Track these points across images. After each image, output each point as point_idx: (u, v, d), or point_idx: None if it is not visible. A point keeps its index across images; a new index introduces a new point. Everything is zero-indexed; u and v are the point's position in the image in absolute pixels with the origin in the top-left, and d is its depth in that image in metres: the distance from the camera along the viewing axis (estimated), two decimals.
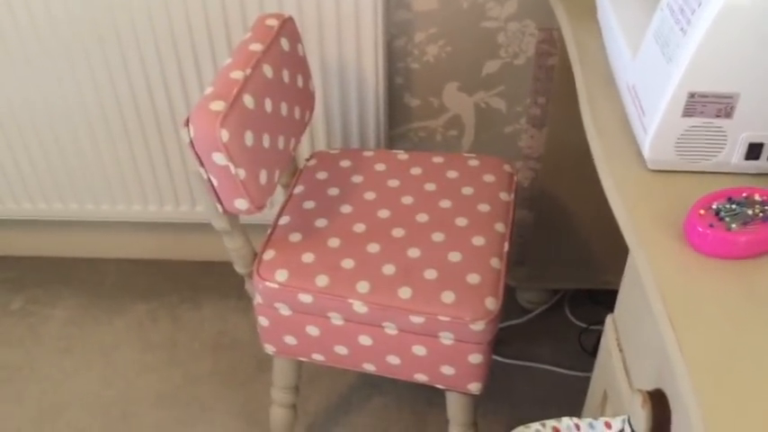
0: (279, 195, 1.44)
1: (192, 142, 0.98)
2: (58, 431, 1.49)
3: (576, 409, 1.46)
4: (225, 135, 0.97)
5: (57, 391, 1.57)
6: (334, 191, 1.26)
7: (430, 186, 1.26)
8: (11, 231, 1.83)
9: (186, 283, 1.80)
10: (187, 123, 0.98)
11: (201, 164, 1.00)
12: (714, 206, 0.71)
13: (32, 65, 1.44)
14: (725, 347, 0.62)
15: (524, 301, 1.72)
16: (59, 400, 1.54)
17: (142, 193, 1.63)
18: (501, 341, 1.64)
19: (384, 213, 1.21)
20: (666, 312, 0.65)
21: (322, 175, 1.29)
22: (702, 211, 0.71)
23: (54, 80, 1.46)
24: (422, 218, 1.20)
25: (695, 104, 0.74)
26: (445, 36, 1.45)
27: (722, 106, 0.74)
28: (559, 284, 1.67)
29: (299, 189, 1.27)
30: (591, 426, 0.82)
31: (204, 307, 1.74)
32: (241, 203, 1.04)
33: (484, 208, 1.22)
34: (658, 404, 0.70)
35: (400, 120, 1.57)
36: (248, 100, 1.02)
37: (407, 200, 1.23)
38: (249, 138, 1.02)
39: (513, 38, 1.45)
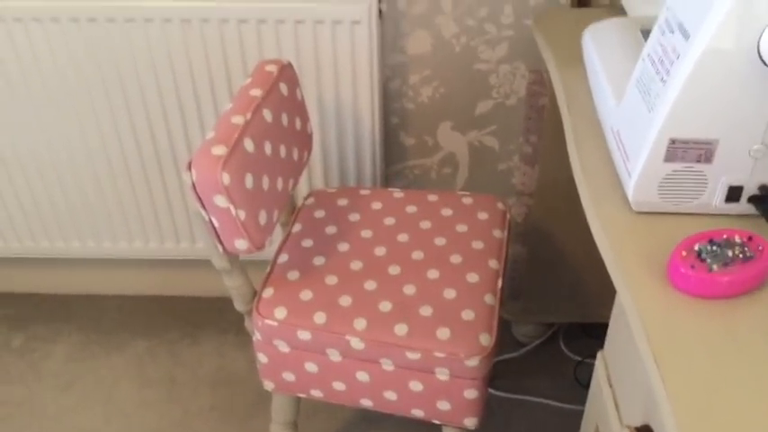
0: (278, 233, 1.47)
1: (194, 185, 1.01)
2: None
3: None
4: (226, 178, 1.00)
5: (57, 427, 1.58)
6: (331, 229, 1.29)
7: (425, 224, 1.29)
8: (13, 268, 1.85)
9: (185, 319, 1.82)
10: (189, 167, 1.01)
11: (203, 206, 1.03)
12: (696, 248, 0.75)
13: (37, 107, 1.48)
14: (707, 384, 0.65)
15: (520, 334, 1.74)
16: None
17: (143, 230, 1.66)
18: (497, 375, 1.66)
19: (380, 251, 1.24)
20: (651, 350, 0.67)
21: (319, 214, 1.32)
22: (685, 253, 0.74)
23: (58, 121, 1.50)
24: (417, 255, 1.23)
25: (676, 150, 0.78)
26: (439, 78, 1.50)
27: (702, 151, 0.78)
28: (554, 318, 1.70)
29: (297, 227, 1.30)
30: None
31: (203, 343, 1.76)
32: (241, 244, 1.07)
33: (478, 245, 1.25)
34: None
35: (396, 158, 1.61)
36: (248, 144, 1.06)
37: (403, 237, 1.26)
38: (249, 180, 1.05)
39: (505, 79, 1.50)
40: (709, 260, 0.73)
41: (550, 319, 1.69)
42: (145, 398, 1.64)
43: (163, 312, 1.84)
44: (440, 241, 1.25)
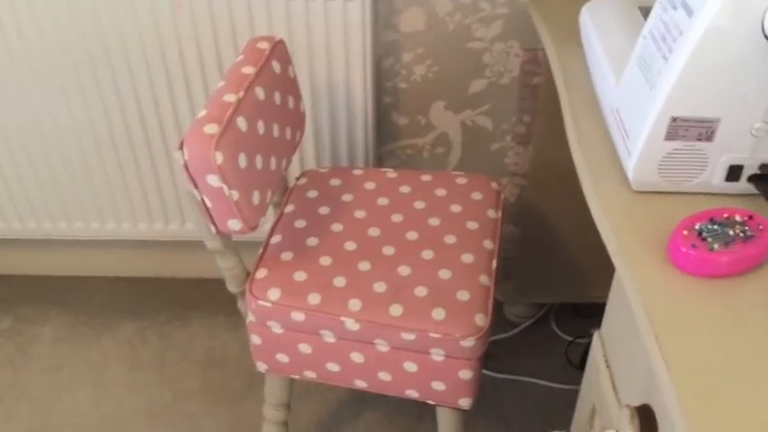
0: (270, 214, 1.45)
1: (186, 165, 0.99)
2: None
3: (563, 422, 1.48)
4: (219, 157, 0.99)
5: (46, 410, 1.56)
6: (324, 209, 1.27)
7: (419, 204, 1.28)
8: (0, 250, 1.83)
9: (175, 301, 1.81)
10: (181, 146, 0.99)
11: (195, 185, 1.02)
12: (697, 227, 0.74)
13: (23, 86, 1.45)
14: (709, 363, 0.64)
15: (512, 315, 1.74)
16: (49, 420, 1.54)
17: (132, 211, 1.64)
18: (489, 355, 1.66)
19: (374, 231, 1.23)
20: (652, 330, 0.67)
21: (312, 194, 1.31)
22: (686, 232, 0.73)
23: (44, 101, 1.47)
24: (411, 236, 1.22)
25: (677, 128, 0.77)
26: (432, 56, 1.48)
27: (703, 130, 0.77)
28: (546, 298, 1.70)
29: (289, 208, 1.29)
30: None
31: (194, 324, 1.75)
32: (234, 224, 1.06)
33: (472, 225, 1.24)
34: (645, 419, 0.72)
35: (388, 138, 1.59)
36: (241, 122, 1.04)
37: (397, 218, 1.25)
38: (242, 159, 1.03)
39: (499, 58, 1.48)
40: (710, 239, 0.72)
41: (543, 300, 1.70)
42: (135, 380, 1.63)
43: (153, 294, 1.83)
44: (434, 222, 1.25)
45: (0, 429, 1.53)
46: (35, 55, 1.41)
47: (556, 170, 1.50)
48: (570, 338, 1.69)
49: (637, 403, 0.77)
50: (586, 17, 1.04)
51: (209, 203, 1.04)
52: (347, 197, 1.30)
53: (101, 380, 1.63)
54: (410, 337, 1.09)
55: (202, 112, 1.03)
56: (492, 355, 1.66)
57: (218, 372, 1.64)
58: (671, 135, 0.78)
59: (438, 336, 1.08)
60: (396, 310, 1.10)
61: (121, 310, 1.79)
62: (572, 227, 1.58)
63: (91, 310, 1.79)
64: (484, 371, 1.62)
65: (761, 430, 0.59)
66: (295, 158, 1.54)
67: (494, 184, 1.34)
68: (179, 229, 1.67)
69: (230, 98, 1.05)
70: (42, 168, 1.58)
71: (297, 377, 1.22)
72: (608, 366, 0.91)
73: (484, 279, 1.15)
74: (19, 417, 1.55)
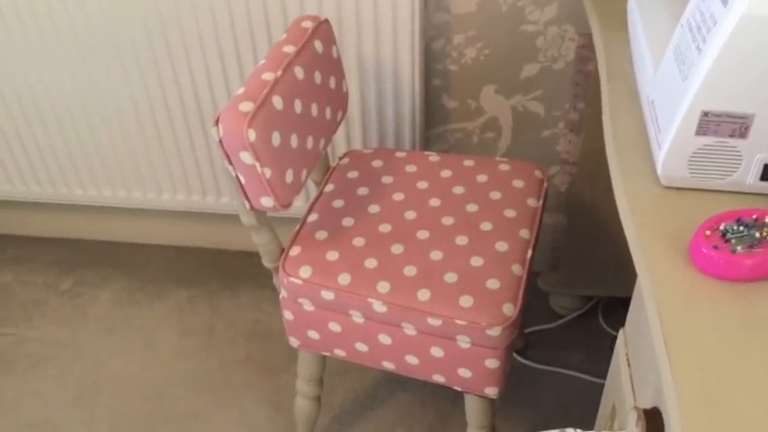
0: (313, 192, 1.47)
1: (220, 141, 1.01)
2: (96, 409, 1.56)
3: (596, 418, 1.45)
4: (252, 135, 1.00)
5: (97, 370, 1.64)
6: (363, 190, 1.28)
7: (458, 189, 1.27)
8: (64, 214, 1.91)
9: (226, 272, 1.86)
10: (217, 123, 1.01)
11: (230, 162, 1.04)
12: (722, 227, 0.71)
13: (69, 60, 1.51)
14: (717, 370, 0.62)
15: (557, 306, 1.71)
16: (99, 380, 1.62)
17: (186, 183, 1.69)
18: (531, 345, 1.64)
19: (411, 215, 1.22)
20: (662, 331, 0.65)
21: (353, 175, 1.32)
22: (708, 232, 0.70)
23: (102, 72, 1.52)
24: (447, 221, 1.21)
25: (709, 123, 0.73)
26: (484, 39, 1.45)
27: (737, 126, 0.73)
28: (592, 291, 1.66)
29: (329, 187, 1.30)
30: None
31: (241, 295, 1.79)
32: (267, 201, 1.07)
33: (510, 213, 1.22)
34: (653, 422, 0.70)
35: (437, 121, 1.58)
36: (277, 101, 1.05)
37: (435, 202, 1.25)
38: (276, 138, 1.05)
39: (553, 42, 1.44)
40: (733, 241, 0.69)
41: (589, 292, 1.66)
42: (183, 346, 1.69)
43: (206, 264, 1.88)
44: (472, 208, 1.23)
45: (52, 386, 1.61)
46: (79, 29, 1.46)
47: (607, 160, 1.46)
48: (616, 333, 1.65)
49: (649, 406, 0.75)
50: (634, 2, 1.00)
51: (242, 180, 1.05)
52: (387, 179, 1.30)
53: (150, 344, 1.69)
54: (436, 322, 1.08)
55: (240, 90, 1.04)
56: (533, 345, 1.64)
57: (261, 344, 1.68)
58: (702, 130, 0.74)
59: (464, 323, 1.07)
60: (424, 294, 1.09)
61: (174, 278, 1.85)
62: None
63: (146, 276, 1.86)
64: (523, 360, 1.60)
65: None
66: (341, 139, 1.55)
67: (537, 173, 1.31)
68: (230, 203, 1.71)
69: (268, 77, 1.06)
70: (104, 140, 1.64)
71: (327, 354, 1.24)
72: (629, 366, 0.88)
73: (516, 269, 1.13)
74: (71, 375, 1.63)
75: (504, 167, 1.32)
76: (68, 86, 1.56)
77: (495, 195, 1.26)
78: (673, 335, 0.65)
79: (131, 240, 1.95)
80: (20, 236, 1.98)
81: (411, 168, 1.32)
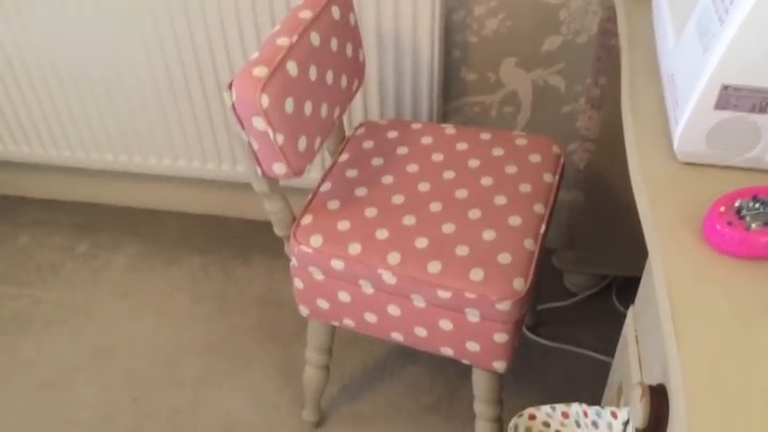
0: (327, 161, 1.46)
1: (233, 106, 1.01)
2: (108, 370, 1.58)
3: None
4: (265, 100, 0.99)
5: (110, 333, 1.66)
6: (377, 161, 1.27)
7: (473, 162, 1.26)
8: (82, 178, 1.92)
9: (240, 240, 1.86)
10: (230, 87, 1.00)
11: (243, 127, 1.03)
12: (737, 204, 0.69)
13: (104, 24, 1.50)
14: (726, 349, 0.61)
15: (571, 284, 1.70)
16: (112, 342, 1.64)
17: (202, 150, 1.69)
18: (543, 322, 1.63)
19: (424, 187, 1.21)
20: (670, 306, 0.64)
21: (368, 145, 1.31)
22: (723, 209, 0.69)
23: (122, 39, 1.52)
24: (461, 194, 1.20)
25: (729, 97, 0.71)
26: (505, 10, 1.43)
27: (757, 101, 0.71)
28: (607, 270, 1.64)
29: (343, 157, 1.29)
30: (598, 414, 0.82)
31: (254, 264, 1.80)
32: (279, 168, 1.07)
33: (525, 188, 1.21)
34: (658, 399, 0.69)
35: (456, 93, 1.56)
36: (291, 67, 1.04)
37: (449, 174, 1.23)
38: (290, 104, 1.04)
39: (576, 15, 1.41)
40: (748, 218, 0.67)
41: (602, 271, 1.64)
42: (195, 312, 1.70)
43: (220, 232, 1.89)
44: (486, 181, 1.22)
45: (65, 347, 1.63)
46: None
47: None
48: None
49: (655, 383, 0.74)
50: None
51: (255, 146, 1.05)
52: (402, 150, 1.29)
53: (163, 309, 1.71)
54: (446, 294, 1.08)
55: (254, 55, 1.03)
56: (546, 322, 1.63)
57: (273, 312, 1.69)
58: (721, 104, 0.72)
59: (473, 296, 1.06)
60: (434, 267, 1.09)
61: (189, 244, 1.86)
62: None
63: (161, 241, 1.87)
64: (535, 337, 1.60)
65: (767, 421, 0.56)
66: (358, 110, 1.54)
67: (555, 148, 1.30)
68: (245, 171, 1.70)
69: (283, 42, 1.05)
70: (121, 106, 1.64)
71: (336, 324, 1.24)
72: (637, 343, 0.87)
73: (529, 243, 1.12)
74: (84, 337, 1.65)
75: (520, 141, 1.30)
76: (87, 53, 1.56)
77: (511, 169, 1.24)
78: (681, 311, 0.63)
79: (147, 206, 1.96)
80: (38, 199, 2.00)
81: (426, 140, 1.31)
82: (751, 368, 0.59)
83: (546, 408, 0.88)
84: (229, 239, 1.87)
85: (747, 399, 0.57)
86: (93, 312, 1.70)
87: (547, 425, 0.90)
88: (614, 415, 0.79)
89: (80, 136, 1.72)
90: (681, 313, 0.63)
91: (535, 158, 1.27)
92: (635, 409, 0.70)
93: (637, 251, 1.59)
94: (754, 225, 0.67)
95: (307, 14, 1.11)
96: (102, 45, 1.54)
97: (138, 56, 1.55)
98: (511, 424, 0.90)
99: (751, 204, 0.69)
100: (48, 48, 1.57)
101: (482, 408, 1.25)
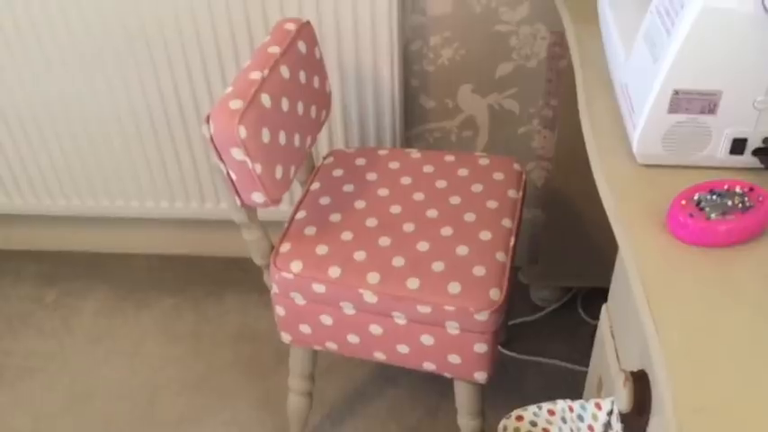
0: (298, 192, 1.49)
1: (211, 138, 1.04)
2: (88, 416, 1.56)
3: None
4: (243, 132, 1.03)
5: (87, 378, 1.64)
6: (349, 187, 1.31)
7: (441, 183, 1.31)
8: (46, 227, 1.92)
9: (211, 278, 1.87)
10: (208, 120, 1.04)
11: (221, 158, 1.07)
12: (696, 197, 0.76)
13: (67, 71, 1.52)
14: (699, 329, 0.66)
15: (538, 299, 1.76)
16: (89, 388, 1.62)
17: (169, 190, 1.71)
18: (514, 338, 1.68)
19: (396, 209, 1.26)
20: (645, 294, 0.69)
21: (338, 173, 1.35)
22: (684, 202, 0.75)
23: (85, 81, 1.54)
24: (432, 213, 1.25)
25: (680, 101, 0.78)
26: (459, 39, 1.50)
27: (706, 103, 0.78)
28: (572, 282, 1.71)
29: (315, 185, 1.33)
30: (583, 407, 0.87)
31: (228, 301, 1.81)
32: (258, 197, 1.10)
33: (492, 204, 1.26)
34: (640, 383, 0.74)
35: (416, 121, 1.62)
36: (265, 99, 1.08)
37: (419, 196, 1.28)
38: (266, 135, 1.08)
39: (526, 41, 1.50)
40: (707, 209, 0.74)
41: (568, 283, 1.71)
42: (170, 352, 1.70)
43: (190, 272, 1.90)
44: (455, 200, 1.27)
45: (43, 397, 1.61)
46: (76, 37, 1.48)
47: (581, 154, 1.49)
48: (596, 322, 1.69)
49: (634, 369, 0.79)
50: None
51: (233, 176, 1.08)
52: (371, 176, 1.33)
53: (138, 351, 1.70)
54: (426, 309, 1.12)
55: (228, 89, 1.07)
56: (517, 337, 1.68)
57: (249, 347, 1.70)
58: (674, 108, 0.79)
59: (453, 309, 1.10)
60: (413, 283, 1.13)
61: (159, 286, 1.86)
62: (599, 211, 1.56)
63: (130, 285, 1.87)
64: (506, 351, 1.64)
65: (746, 394, 0.61)
66: (324, 140, 1.58)
67: (516, 165, 1.36)
68: (214, 208, 1.73)
69: (255, 76, 1.09)
70: (86, 149, 1.65)
71: (319, 348, 1.27)
72: (613, 337, 0.92)
73: (500, 256, 1.17)
74: (60, 385, 1.63)
75: (483, 162, 1.36)
76: (64, 95, 1.57)
77: (477, 188, 1.30)
78: (655, 298, 0.69)
79: (115, 251, 1.95)
80: (1, 250, 1.98)
81: (394, 165, 1.36)
82: (723, 344, 0.65)
83: (532, 407, 0.92)
84: (200, 278, 1.88)
85: (725, 373, 0.62)
86: (67, 360, 1.69)
87: (534, 424, 0.94)
88: (598, 406, 0.84)
89: (46, 183, 1.72)
90: (655, 300, 0.69)
91: (499, 176, 1.33)
92: (620, 395, 0.74)
93: (598, 262, 1.66)
94: (713, 215, 0.73)
95: (275, 49, 1.16)
96: (63, 91, 1.56)
97: (103, 100, 1.57)
98: (500, 425, 0.93)
99: (709, 197, 0.75)
100: (8, 93, 1.58)
101: (465, 421, 1.28)
